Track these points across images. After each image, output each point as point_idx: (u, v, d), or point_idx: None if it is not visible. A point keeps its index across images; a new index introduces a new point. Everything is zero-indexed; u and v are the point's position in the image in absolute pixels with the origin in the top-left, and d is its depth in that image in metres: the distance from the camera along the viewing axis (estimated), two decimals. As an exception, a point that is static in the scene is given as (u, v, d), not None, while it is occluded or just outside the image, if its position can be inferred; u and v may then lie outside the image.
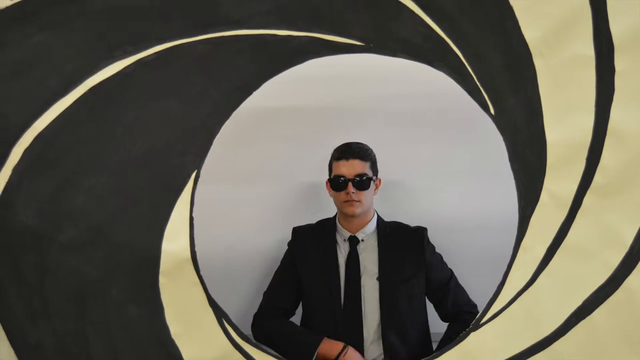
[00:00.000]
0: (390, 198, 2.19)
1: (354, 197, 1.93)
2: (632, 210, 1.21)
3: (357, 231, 2.04)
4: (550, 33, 1.18)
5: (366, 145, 2.00)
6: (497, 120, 1.25)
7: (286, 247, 2.12)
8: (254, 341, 1.26)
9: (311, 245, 2.07)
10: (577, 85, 1.20)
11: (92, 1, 1.02)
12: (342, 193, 1.96)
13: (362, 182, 1.93)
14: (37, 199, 1.08)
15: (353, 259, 2.02)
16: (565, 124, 1.20)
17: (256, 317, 2.05)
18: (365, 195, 1.96)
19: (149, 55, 1.06)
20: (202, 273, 1.27)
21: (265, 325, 1.98)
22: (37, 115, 1.04)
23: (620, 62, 1.18)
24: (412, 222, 2.08)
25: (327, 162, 2.04)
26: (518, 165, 1.24)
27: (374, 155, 2.01)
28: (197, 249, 1.25)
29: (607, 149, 1.21)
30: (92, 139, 1.10)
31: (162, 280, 1.18)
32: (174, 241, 1.18)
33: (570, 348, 1.23)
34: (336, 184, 1.95)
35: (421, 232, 2.07)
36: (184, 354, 1.19)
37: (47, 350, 1.11)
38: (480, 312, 1.26)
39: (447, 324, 1.98)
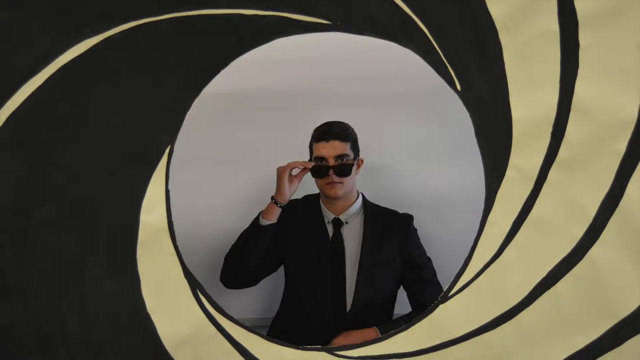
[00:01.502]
0: (365, 179, 2.13)
1: (336, 178, 1.88)
2: (595, 184, 1.20)
3: (341, 213, 1.99)
4: (516, 9, 1.16)
5: (347, 124, 1.94)
6: (464, 96, 1.23)
7: None
8: (228, 314, 1.26)
9: (298, 224, 2.00)
10: (542, 61, 1.18)
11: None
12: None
13: (344, 168, 1.88)
14: (13, 177, 1.06)
15: (337, 242, 1.97)
16: (530, 100, 1.19)
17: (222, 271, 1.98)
18: (347, 177, 1.90)
19: (116, 34, 1.03)
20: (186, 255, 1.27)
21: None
22: (9, 95, 1.02)
23: (584, 37, 1.16)
24: (388, 202, 2.05)
25: (300, 144, 1.99)
26: (484, 141, 1.23)
27: (355, 135, 1.95)
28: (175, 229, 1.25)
29: (571, 123, 1.19)
30: (66, 117, 1.07)
31: (140, 251, 1.16)
32: (151, 212, 1.16)
33: (535, 318, 1.23)
34: (317, 169, 1.89)
35: (406, 219, 2.02)
36: (158, 329, 1.18)
37: (20, 329, 1.09)
38: (448, 285, 1.26)
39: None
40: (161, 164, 1.14)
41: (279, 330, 1.96)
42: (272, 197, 1.88)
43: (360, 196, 2.03)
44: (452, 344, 1.23)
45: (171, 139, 1.14)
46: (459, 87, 1.22)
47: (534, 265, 1.23)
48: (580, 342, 1.22)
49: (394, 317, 1.98)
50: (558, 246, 1.23)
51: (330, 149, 1.88)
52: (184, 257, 1.21)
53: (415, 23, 1.18)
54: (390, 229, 1.97)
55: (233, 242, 1.92)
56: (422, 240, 2.01)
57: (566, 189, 1.21)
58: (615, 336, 1.22)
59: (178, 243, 1.18)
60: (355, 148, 1.95)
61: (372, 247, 1.93)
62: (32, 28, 0.99)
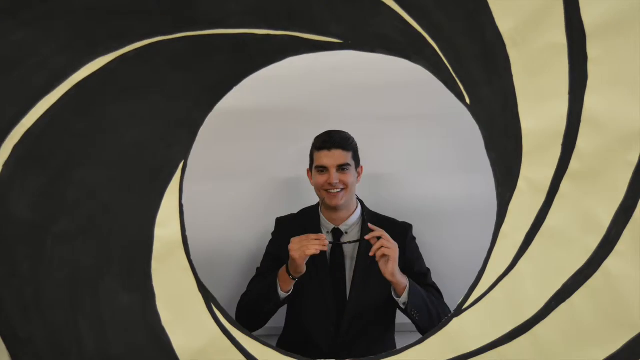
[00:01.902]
0: (369, 190, 2.13)
1: (338, 186, 1.87)
2: (608, 195, 1.19)
3: (341, 223, 1.97)
4: (524, 23, 1.17)
5: (347, 133, 1.93)
6: (473, 110, 1.23)
7: (268, 239, 2.05)
8: (242, 327, 1.25)
9: (295, 235, 1.93)
10: (550, 74, 1.18)
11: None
12: (324, 181, 1.88)
13: (345, 173, 1.86)
14: (30, 192, 1.08)
15: (337, 253, 1.95)
16: (539, 112, 1.19)
17: (238, 306, 1.96)
18: (348, 183, 1.89)
19: (129, 52, 1.06)
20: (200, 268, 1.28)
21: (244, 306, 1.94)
22: (25, 112, 1.03)
23: (593, 49, 1.16)
24: (393, 213, 2.03)
25: (300, 155, 2.00)
26: (495, 154, 1.22)
27: (356, 144, 1.94)
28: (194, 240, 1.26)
29: (582, 135, 1.19)
30: (80, 133, 1.09)
31: (155, 266, 1.17)
32: (165, 227, 1.17)
33: (550, 331, 1.20)
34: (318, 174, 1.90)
35: (405, 228, 2.00)
36: (173, 342, 1.18)
37: (38, 343, 1.10)
38: (462, 298, 1.25)
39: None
40: (175, 179, 1.15)
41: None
42: (288, 270, 1.81)
43: (359, 205, 2.02)
44: (467, 358, 1.21)
45: (184, 154, 1.16)
46: (468, 101, 1.22)
47: (549, 278, 1.21)
48: (599, 355, 1.19)
49: (397, 325, 1.96)
50: (572, 258, 1.21)
51: (332, 158, 1.87)
52: (198, 270, 1.21)
53: (425, 39, 1.19)
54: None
55: (245, 254, 1.96)
56: (423, 251, 1.99)
57: (579, 200, 1.20)
58: (634, 350, 1.19)
59: (192, 256, 1.19)
60: (356, 157, 1.94)
61: (368, 256, 1.85)
62: (48, 46, 1.02)
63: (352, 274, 1.91)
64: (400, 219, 2.02)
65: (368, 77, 2.12)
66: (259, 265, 2.04)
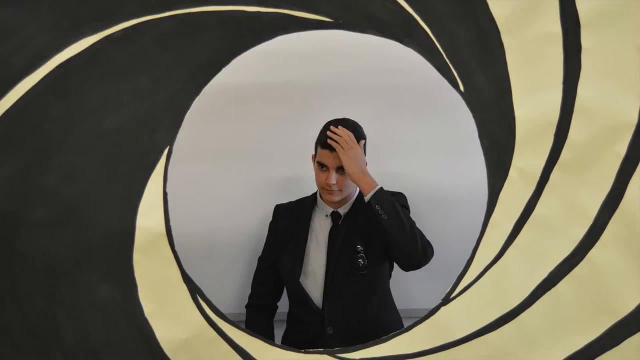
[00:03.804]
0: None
1: (335, 187, 1.81)
2: (596, 185, 1.16)
3: (339, 207, 1.91)
4: (518, 11, 1.11)
5: (356, 126, 1.83)
6: (467, 97, 1.17)
7: (267, 224, 2.00)
8: (229, 318, 1.18)
9: (287, 223, 1.95)
10: (545, 63, 1.13)
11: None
12: (323, 180, 1.81)
13: (344, 175, 1.78)
14: (5, 178, 0.98)
15: (336, 235, 1.88)
16: (533, 101, 1.14)
17: (246, 307, 1.98)
18: (346, 186, 1.83)
19: (115, 32, 0.96)
20: (181, 253, 1.19)
21: (250, 318, 1.94)
22: (3, 93, 0.94)
23: (587, 39, 1.11)
24: None
25: (303, 139, 1.92)
26: (488, 142, 1.17)
27: (364, 137, 1.82)
28: (175, 228, 1.16)
29: (574, 125, 1.15)
30: (61, 117, 1.00)
31: (137, 257, 1.08)
32: (148, 216, 1.09)
33: (536, 318, 1.18)
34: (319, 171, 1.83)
35: (399, 198, 1.87)
36: (157, 333, 1.10)
37: (15, 333, 1.02)
38: (450, 286, 1.21)
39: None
40: (159, 166, 1.06)
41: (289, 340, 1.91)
42: None
43: (357, 189, 1.92)
44: (454, 345, 1.18)
45: (170, 140, 1.06)
46: (462, 88, 1.16)
47: (535, 266, 1.18)
48: (580, 342, 1.18)
49: (400, 309, 1.91)
50: (559, 247, 1.18)
51: (334, 160, 1.78)
52: (182, 260, 1.13)
53: (417, 22, 1.12)
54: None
55: (233, 240, 1.88)
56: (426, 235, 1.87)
57: (568, 190, 1.17)
58: (614, 336, 1.18)
59: (177, 246, 1.10)
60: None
61: (355, 220, 1.86)
62: (31, 26, 0.91)
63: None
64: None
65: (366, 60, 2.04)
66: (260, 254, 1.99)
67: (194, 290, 1.13)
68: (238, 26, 1.05)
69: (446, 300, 1.19)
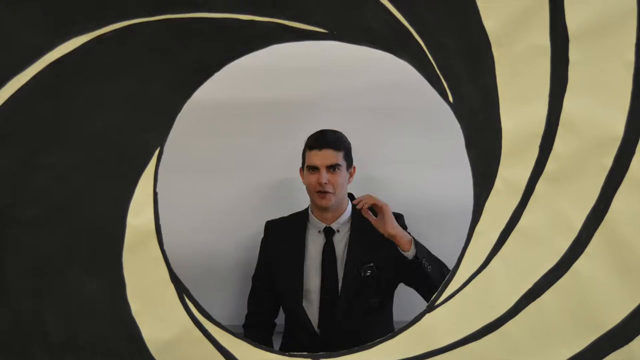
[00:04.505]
0: (361, 188, 2.00)
1: (327, 187, 1.78)
2: (581, 197, 1.15)
3: (332, 222, 1.89)
4: (510, 23, 1.12)
5: (340, 133, 1.85)
6: (455, 108, 1.18)
7: (259, 239, 1.98)
8: (214, 319, 1.18)
9: (281, 240, 1.92)
10: (532, 75, 1.14)
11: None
12: (315, 181, 1.79)
13: (335, 173, 1.77)
14: None
15: (329, 252, 1.86)
16: (520, 113, 1.14)
17: (244, 326, 1.94)
18: (338, 185, 1.80)
19: (107, 32, 0.96)
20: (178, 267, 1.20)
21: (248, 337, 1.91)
22: (-7, 92, 0.95)
23: (574, 53, 1.12)
24: None
25: (293, 153, 1.90)
26: (474, 152, 1.18)
27: (349, 144, 1.85)
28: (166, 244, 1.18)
29: (559, 137, 1.15)
30: (52, 116, 1.00)
31: (126, 255, 1.08)
32: (138, 215, 1.09)
33: (520, 329, 1.17)
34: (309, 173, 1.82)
35: (396, 217, 1.82)
36: (143, 333, 1.10)
37: (2, 331, 1.00)
38: (435, 294, 1.20)
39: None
40: (150, 166, 1.06)
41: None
42: None
43: (350, 203, 1.91)
44: (439, 353, 1.17)
45: (161, 141, 1.07)
46: (451, 99, 1.16)
47: (520, 277, 1.18)
48: (565, 354, 1.17)
49: (395, 322, 1.87)
50: (544, 258, 1.17)
51: (323, 158, 1.78)
52: (171, 261, 1.13)
53: (411, 34, 1.13)
54: (377, 233, 1.81)
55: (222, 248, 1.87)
56: None
57: (553, 201, 1.17)
58: (599, 350, 1.17)
59: (165, 247, 1.11)
60: (348, 157, 1.85)
61: (358, 246, 1.82)
62: (22, 25, 0.92)
63: (342, 273, 1.83)
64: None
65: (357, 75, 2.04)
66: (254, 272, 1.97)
67: (181, 290, 1.13)
68: (231, 34, 1.06)
69: (431, 307, 1.18)
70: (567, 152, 1.16)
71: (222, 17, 1.04)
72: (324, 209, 1.85)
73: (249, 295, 1.96)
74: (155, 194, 1.09)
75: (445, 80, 1.15)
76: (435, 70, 1.16)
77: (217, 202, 2.07)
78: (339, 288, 1.81)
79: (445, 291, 1.19)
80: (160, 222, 1.16)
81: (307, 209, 1.96)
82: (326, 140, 1.81)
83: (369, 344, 1.22)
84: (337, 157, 1.80)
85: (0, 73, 0.95)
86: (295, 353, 1.21)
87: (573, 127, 1.17)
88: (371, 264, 1.79)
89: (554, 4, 1.13)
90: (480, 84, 1.12)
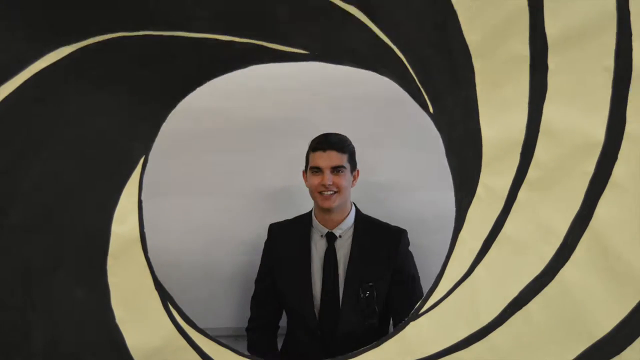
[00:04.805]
0: (365, 194, 2.00)
1: (331, 188, 1.74)
2: (565, 204, 1.10)
3: (335, 227, 1.84)
4: (490, 35, 1.08)
5: (344, 136, 1.81)
6: (436, 118, 1.17)
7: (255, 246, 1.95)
8: (198, 326, 1.18)
9: (285, 243, 1.88)
10: (512, 84, 1.09)
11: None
12: (318, 183, 1.76)
13: (339, 175, 1.74)
14: None
15: (330, 257, 1.83)
16: (500, 122, 1.09)
17: (247, 330, 1.91)
18: (342, 187, 1.76)
19: (92, 44, 0.95)
20: (168, 280, 1.20)
21: (251, 340, 1.88)
22: (-21, 101, 0.96)
23: (553, 60, 1.10)
24: (389, 219, 1.90)
25: (284, 168, 1.91)
26: (455, 161, 1.15)
27: (353, 147, 1.81)
28: (159, 257, 1.19)
29: (540, 144, 1.12)
30: (39, 124, 1.00)
31: (110, 262, 1.05)
32: (123, 223, 1.06)
33: (506, 338, 1.10)
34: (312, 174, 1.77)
35: (398, 234, 1.84)
36: (127, 341, 1.05)
37: None
38: (419, 302, 1.18)
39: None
40: (135, 174, 1.07)
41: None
42: None
43: (354, 208, 1.88)
44: None
45: (145, 149, 1.08)
46: (431, 110, 1.17)
47: (505, 285, 1.11)
48: (553, 364, 1.13)
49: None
50: (529, 266, 1.10)
51: (327, 159, 1.75)
52: (155, 269, 1.14)
53: (393, 52, 1.13)
54: (380, 243, 1.82)
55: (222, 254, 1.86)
56: (420, 255, 1.86)
57: (536, 209, 1.10)
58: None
59: (150, 254, 1.12)
60: (352, 160, 1.81)
61: (359, 262, 1.79)
62: (8, 34, 0.92)
63: (343, 284, 1.80)
64: (395, 224, 1.90)
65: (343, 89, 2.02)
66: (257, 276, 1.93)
67: (165, 297, 1.13)
68: (211, 53, 1.03)
69: (415, 315, 1.16)
70: (548, 159, 1.09)
71: (200, 37, 1.04)
72: (327, 211, 1.80)
73: (252, 298, 1.92)
74: (140, 201, 1.11)
75: (426, 93, 1.12)
76: (417, 84, 1.12)
77: (216, 211, 2.06)
78: (340, 297, 1.78)
79: (429, 300, 1.15)
80: (166, 234, 1.18)
81: (310, 212, 1.90)
82: (330, 142, 1.76)
83: (354, 352, 1.19)
84: (342, 159, 1.76)
85: None
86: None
87: (553, 134, 1.12)
88: (370, 284, 1.74)
89: (533, 11, 1.07)
90: (460, 94, 1.08)
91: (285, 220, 1.95)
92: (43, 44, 0.95)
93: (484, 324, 1.13)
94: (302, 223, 1.91)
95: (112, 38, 0.99)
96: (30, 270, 1.04)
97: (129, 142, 1.06)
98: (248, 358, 1.17)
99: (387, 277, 1.78)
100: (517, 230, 1.14)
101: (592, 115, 1.10)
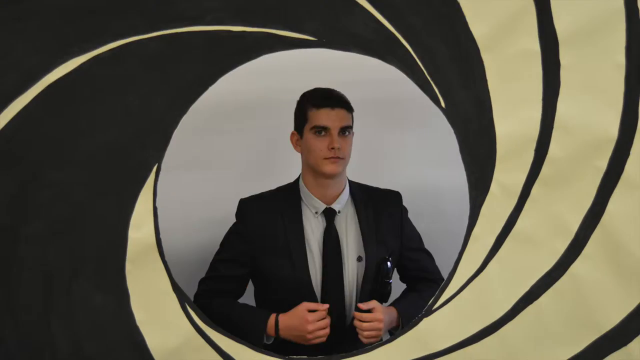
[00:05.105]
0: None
1: (339, 153, 1.43)
2: (577, 200, 1.10)
3: (333, 202, 1.51)
4: (497, 29, 1.06)
5: (346, 101, 1.50)
6: (448, 113, 1.15)
7: None
8: (216, 325, 1.19)
9: (267, 226, 1.49)
10: (524, 80, 1.08)
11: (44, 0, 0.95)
12: (325, 146, 1.44)
13: (346, 138, 1.46)
14: (3, 194, 0.98)
15: (332, 237, 1.50)
16: (514, 117, 1.08)
17: (198, 295, 1.48)
18: (348, 152, 1.48)
19: (104, 52, 0.95)
20: (175, 266, 1.17)
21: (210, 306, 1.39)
22: (-3, 114, 0.91)
23: (565, 57, 1.07)
24: None
25: (282, 155, 1.67)
26: (469, 157, 1.13)
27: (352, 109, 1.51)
28: (169, 240, 1.19)
29: (554, 141, 1.11)
30: (54, 135, 0.99)
31: (129, 267, 1.06)
32: (139, 229, 1.05)
33: (518, 331, 1.13)
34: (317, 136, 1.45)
35: (397, 197, 1.61)
36: (148, 342, 1.08)
37: (10, 344, 1.02)
38: (432, 298, 1.19)
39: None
40: (149, 181, 1.07)
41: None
42: (277, 320, 1.38)
43: (347, 182, 1.57)
44: (437, 357, 1.12)
45: (159, 157, 1.07)
46: (443, 105, 1.15)
47: (517, 280, 1.11)
48: (563, 355, 1.13)
49: None
50: (541, 261, 1.13)
51: (336, 119, 1.43)
52: (172, 270, 1.15)
53: (399, 41, 1.11)
54: (384, 211, 1.56)
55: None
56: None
57: (549, 204, 1.11)
58: (598, 351, 1.11)
59: (167, 257, 1.13)
60: (353, 121, 1.52)
61: (372, 239, 1.52)
62: (21, 47, 0.89)
63: (356, 262, 1.51)
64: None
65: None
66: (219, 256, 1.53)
67: (183, 299, 1.14)
68: (223, 45, 1.03)
69: (428, 312, 1.16)
70: (562, 155, 1.10)
71: (214, 30, 1.02)
72: (329, 178, 1.48)
73: (209, 272, 1.52)
74: (155, 208, 1.11)
75: (437, 87, 1.11)
76: (425, 77, 1.10)
77: (207, 205, 1.88)
78: (346, 285, 1.49)
79: (442, 295, 1.14)
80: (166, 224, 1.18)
81: (295, 185, 1.55)
82: (339, 98, 1.47)
83: (367, 347, 1.21)
84: (349, 119, 1.47)
85: (3, 95, 0.94)
86: (295, 357, 1.22)
87: (567, 130, 1.09)
88: (387, 258, 1.48)
89: (540, 8, 1.06)
90: (472, 89, 1.06)
91: (257, 195, 1.55)
92: (55, 56, 0.93)
93: (496, 318, 1.15)
94: (286, 199, 1.53)
95: (123, 44, 0.97)
96: (50, 277, 1.04)
97: (141, 150, 1.05)
98: (265, 354, 1.19)
99: (398, 245, 1.55)
100: (530, 225, 1.14)
101: (606, 111, 1.09)
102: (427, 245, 1.70)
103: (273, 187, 1.59)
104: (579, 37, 1.07)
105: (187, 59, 1.03)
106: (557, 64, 1.09)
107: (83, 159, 1.03)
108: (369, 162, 1.90)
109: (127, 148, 1.04)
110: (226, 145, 1.91)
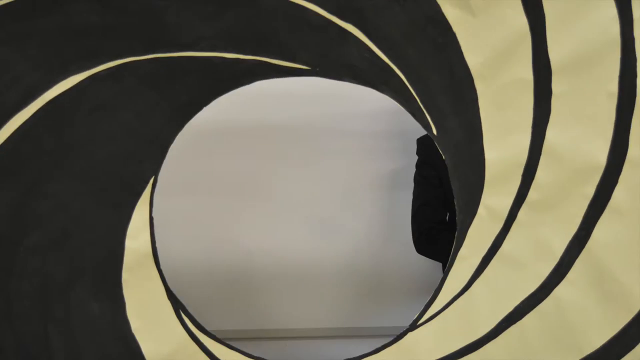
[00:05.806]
0: None
1: None
2: (563, 225, 1.06)
3: None
4: (492, 58, 1.02)
5: None
6: (439, 140, 1.16)
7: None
8: (209, 332, 1.23)
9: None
10: (516, 108, 1.04)
11: (46, 19, 0.97)
12: None
13: None
14: (3, 205, 0.98)
15: None
16: (503, 144, 1.05)
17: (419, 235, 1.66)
18: None
19: (102, 71, 0.95)
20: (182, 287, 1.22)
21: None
22: (-2, 128, 0.86)
23: (557, 85, 1.04)
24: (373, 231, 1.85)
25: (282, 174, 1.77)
26: (459, 183, 1.14)
27: None
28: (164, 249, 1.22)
29: (541, 166, 1.09)
30: (53, 149, 0.99)
31: (125, 276, 1.05)
32: (136, 239, 1.06)
33: (500, 350, 1.11)
34: None
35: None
36: (143, 348, 1.08)
37: (7, 352, 1.02)
38: (418, 314, 1.22)
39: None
40: (145, 193, 1.08)
41: None
42: None
43: None
44: None
45: (155, 170, 1.08)
46: (435, 132, 1.16)
47: (501, 300, 1.08)
48: (544, 377, 1.17)
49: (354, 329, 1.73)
50: (525, 283, 1.10)
51: None
52: (167, 279, 1.18)
53: (393, 70, 1.10)
54: None
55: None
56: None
57: (534, 228, 1.09)
58: (577, 374, 1.16)
59: (162, 266, 1.16)
60: None
61: None
62: (21, 64, 0.90)
63: None
64: None
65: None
66: None
67: (178, 306, 1.17)
68: (217, 71, 1.01)
69: (413, 326, 1.18)
70: (549, 180, 1.07)
71: (208, 56, 1.01)
72: None
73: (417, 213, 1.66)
74: (151, 218, 1.14)
75: (429, 114, 1.09)
76: (418, 105, 1.06)
77: (205, 221, 1.96)
78: None
79: (428, 311, 1.17)
80: (166, 240, 1.22)
81: None
82: None
83: (351, 358, 1.25)
84: None
85: (3, 111, 0.92)
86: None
87: (555, 157, 1.06)
88: None
89: (536, 37, 1.02)
90: (464, 117, 1.02)
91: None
92: (54, 73, 0.93)
93: (479, 336, 1.15)
94: None
95: (122, 63, 0.99)
96: (48, 285, 1.03)
97: (139, 165, 1.06)
98: (257, 359, 1.22)
99: None
100: (515, 248, 1.13)
101: (595, 139, 1.07)
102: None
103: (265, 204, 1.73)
104: (573, 66, 1.04)
105: (181, 81, 1.03)
106: (549, 92, 1.06)
107: (82, 172, 1.03)
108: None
109: (124, 162, 1.04)
110: (218, 164, 1.92)
